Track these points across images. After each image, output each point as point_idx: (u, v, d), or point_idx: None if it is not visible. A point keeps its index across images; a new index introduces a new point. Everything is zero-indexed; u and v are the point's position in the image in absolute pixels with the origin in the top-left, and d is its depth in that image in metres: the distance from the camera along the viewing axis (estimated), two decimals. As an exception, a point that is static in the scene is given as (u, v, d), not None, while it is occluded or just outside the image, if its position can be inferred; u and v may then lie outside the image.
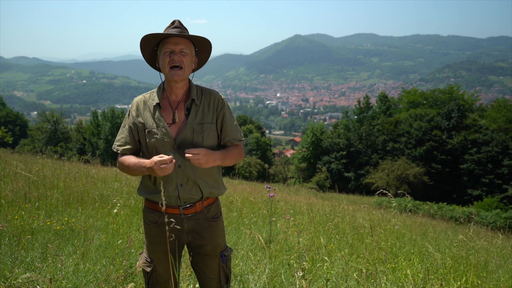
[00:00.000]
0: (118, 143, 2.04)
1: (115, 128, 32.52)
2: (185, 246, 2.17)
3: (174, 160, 1.82)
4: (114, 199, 4.86)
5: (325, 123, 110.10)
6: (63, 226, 3.64)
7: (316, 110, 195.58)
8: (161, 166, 1.79)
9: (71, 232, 3.62)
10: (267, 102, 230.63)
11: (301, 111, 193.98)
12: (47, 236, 3.34)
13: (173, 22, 1.95)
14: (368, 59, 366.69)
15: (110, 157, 29.44)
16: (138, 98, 2.04)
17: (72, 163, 9.26)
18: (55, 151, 23.73)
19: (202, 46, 2.02)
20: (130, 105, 2.06)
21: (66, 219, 3.90)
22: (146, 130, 1.95)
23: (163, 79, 2.03)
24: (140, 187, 2.08)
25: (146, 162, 1.86)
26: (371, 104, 40.05)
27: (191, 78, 2.06)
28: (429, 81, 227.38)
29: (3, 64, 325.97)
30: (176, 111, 1.97)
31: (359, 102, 40.14)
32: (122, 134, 2.04)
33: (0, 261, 2.72)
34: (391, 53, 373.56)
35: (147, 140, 1.95)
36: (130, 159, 1.95)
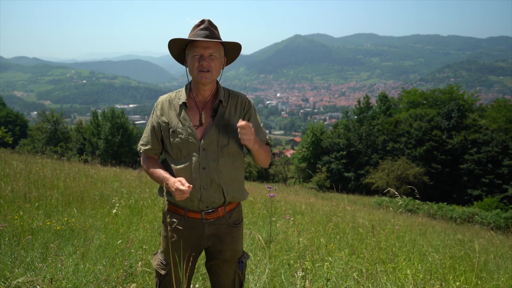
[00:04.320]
0: (141, 142, 2.04)
1: (115, 128, 32.46)
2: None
3: (191, 186, 1.78)
4: (113, 199, 4.86)
5: (325, 123, 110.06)
6: (63, 226, 3.64)
7: (316, 110, 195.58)
8: (179, 193, 1.77)
9: (71, 232, 3.62)
10: (267, 102, 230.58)
11: (301, 111, 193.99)
12: (47, 236, 3.34)
13: (202, 22, 1.88)
14: (368, 59, 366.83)
15: (110, 157, 29.41)
16: (164, 97, 2.01)
17: (72, 163, 9.26)
18: (55, 151, 23.72)
19: (231, 47, 1.98)
20: (155, 104, 2.03)
21: (66, 219, 3.90)
22: (171, 130, 1.92)
23: (190, 77, 1.98)
24: (161, 187, 2.04)
25: (169, 181, 1.84)
26: (371, 104, 40.01)
27: (219, 79, 2.01)
28: (429, 81, 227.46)
29: (3, 64, 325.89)
30: (202, 112, 1.93)
31: (359, 102, 40.11)
32: (145, 134, 2.03)
33: (0, 261, 2.72)
34: (391, 53, 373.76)
35: (171, 139, 1.92)
36: (158, 172, 1.94)
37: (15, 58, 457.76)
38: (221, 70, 1.97)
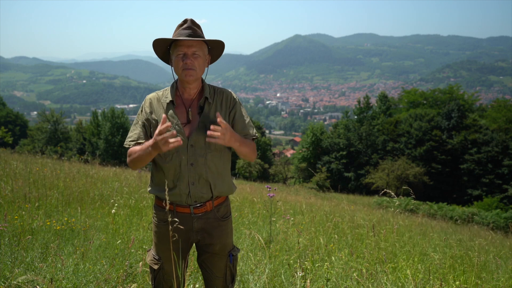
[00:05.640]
0: (130, 139, 2.02)
1: (115, 128, 32.47)
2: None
3: (175, 132, 1.74)
4: (112, 200, 4.86)
5: (325, 123, 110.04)
6: (63, 226, 3.64)
7: (316, 110, 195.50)
8: (161, 137, 1.72)
9: (71, 232, 3.62)
10: (267, 102, 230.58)
11: (301, 111, 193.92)
12: (47, 236, 3.35)
13: (185, 21, 1.93)
14: (368, 59, 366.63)
15: (110, 157, 29.42)
16: (151, 95, 2.05)
17: (72, 163, 9.26)
18: (55, 151, 23.72)
19: (215, 45, 2.03)
20: (143, 102, 2.06)
21: (66, 219, 3.90)
22: None
23: (176, 76, 2.03)
24: (151, 184, 2.08)
25: (149, 141, 1.81)
26: (371, 104, 40.03)
27: (204, 77, 2.07)
28: (429, 81, 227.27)
29: (3, 64, 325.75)
30: (190, 109, 1.98)
31: (359, 102, 40.13)
32: (135, 131, 2.03)
33: (0, 261, 2.72)
34: (391, 53, 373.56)
35: None
36: (136, 148, 1.92)
37: (15, 58, 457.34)
38: (206, 68, 2.02)
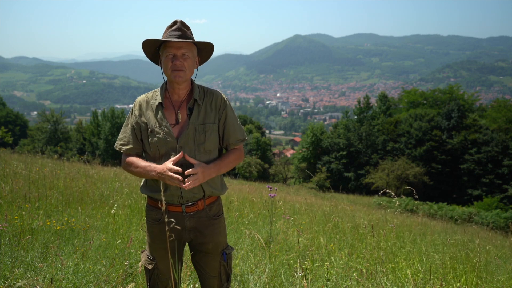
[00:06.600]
0: (120, 142, 2.06)
1: (115, 128, 32.46)
2: (186, 244, 2.18)
3: (181, 178, 1.85)
4: (112, 200, 4.86)
5: (325, 123, 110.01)
6: (63, 226, 3.64)
7: (316, 110, 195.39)
8: (170, 174, 1.83)
9: (71, 232, 3.62)
10: (267, 102, 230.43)
11: (301, 111, 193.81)
12: (47, 236, 3.34)
13: (175, 23, 1.94)
14: (368, 59, 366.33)
15: (110, 157, 29.40)
16: (141, 98, 2.06)
17: (72, 163, 9.25)
18: (55, 151, 23.70)
19: (204, 46, 2.04)
20: (133, 105, 2.07)
21: (66, 219, 3.89)
22: (149, 130, 1.97)
23: (165, 78, 2.03)
24: (143, 184, 2.09)
25: (157, 167, 1.89)
26: (371, 104, 40.02)
27: (194, 78, 2.07)
28: (429, 81, 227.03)
29: (3, 64, 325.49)
30: (179, 111, 1.98)
31: (359, 102, 40.12)
32: (125, 133, 2.05)
33: (0, 261, 2.72)
34: (391, 53, 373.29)
35: (150, 139, 1.97)
36: (139, 163, 1.96)
37: (15, 58, 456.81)
38: (195, 70, 2.03)
